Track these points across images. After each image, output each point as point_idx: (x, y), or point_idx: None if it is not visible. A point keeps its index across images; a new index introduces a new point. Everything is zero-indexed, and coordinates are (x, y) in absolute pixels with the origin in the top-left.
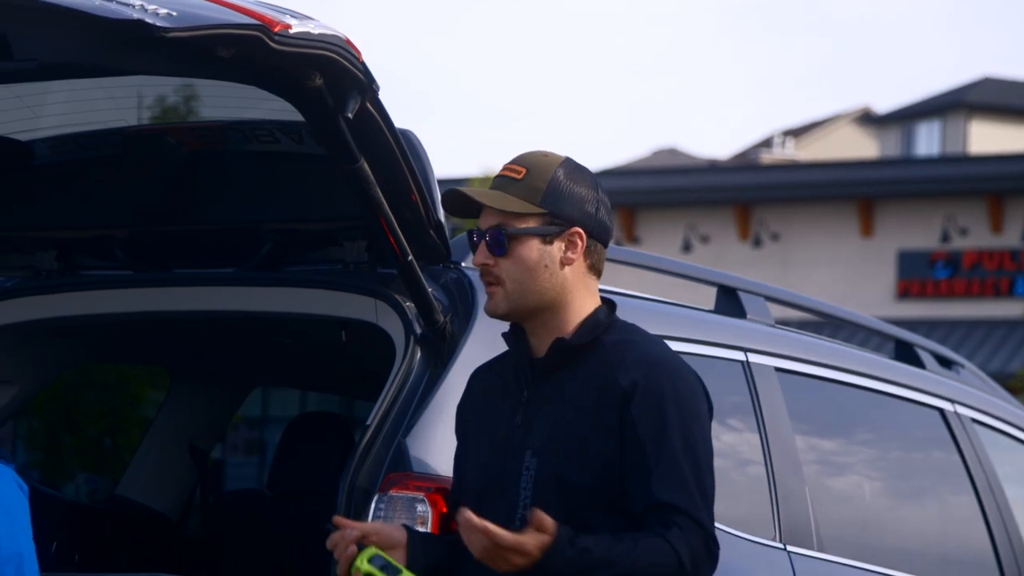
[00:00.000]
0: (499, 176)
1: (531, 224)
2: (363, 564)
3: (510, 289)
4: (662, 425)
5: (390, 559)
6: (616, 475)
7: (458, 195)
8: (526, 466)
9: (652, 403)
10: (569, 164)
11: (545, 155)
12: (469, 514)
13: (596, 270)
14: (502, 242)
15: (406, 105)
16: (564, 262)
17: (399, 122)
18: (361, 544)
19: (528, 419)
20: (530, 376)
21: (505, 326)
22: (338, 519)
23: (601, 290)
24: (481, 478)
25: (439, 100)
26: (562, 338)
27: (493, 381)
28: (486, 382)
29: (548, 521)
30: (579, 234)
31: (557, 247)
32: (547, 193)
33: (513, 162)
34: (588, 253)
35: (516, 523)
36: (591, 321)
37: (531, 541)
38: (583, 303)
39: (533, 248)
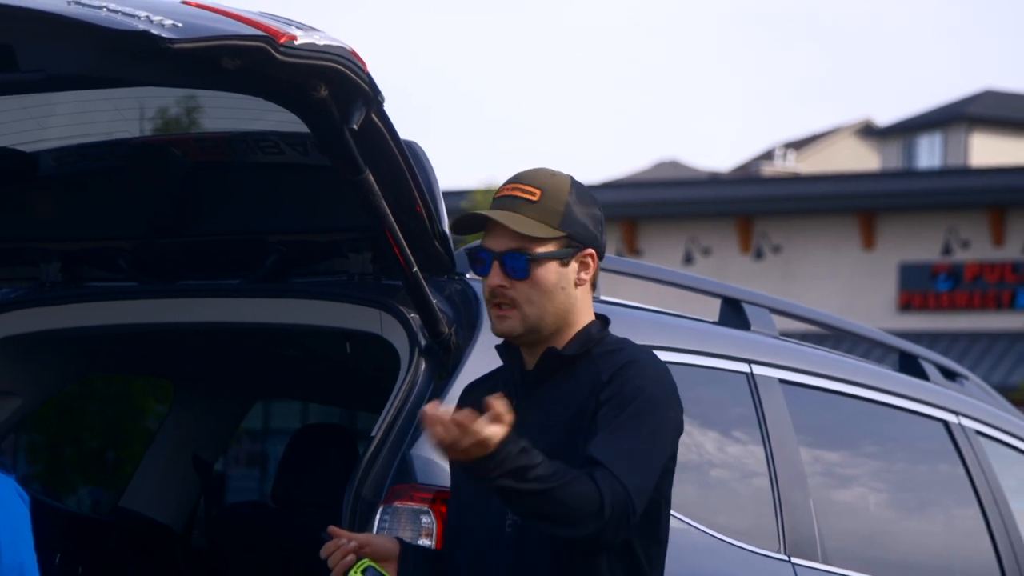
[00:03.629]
0: (508, 196)
1: (552, 248)
2: (357, 575)
3: (527, 312)
4: (621, 406)
5: (383, 571)
6: None
7: (476, 217)
8: None
9: (620, 392)
10: (577, 185)
11: (553, 175)
12: (432, 408)
13: (594, 285)
14: (524, 267)
15: (409, 116)
16: (577, 283)
17: (403, 133)
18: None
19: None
20: (521, 388)
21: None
22: (332, 529)
23: (605, 302)
24: (471, 489)
25: (442, 111)
26: (552, 348)
27: (485, 395)
28: (478, 396)
29: (505, 410)
30: (592, 256)
31: (572, 269)
32: (565, 216)
33: (523, 182)
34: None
35: (506, 529)
36: (583, 334)
37: (495, 432)
38: (580, 318)
39: (552, 271)
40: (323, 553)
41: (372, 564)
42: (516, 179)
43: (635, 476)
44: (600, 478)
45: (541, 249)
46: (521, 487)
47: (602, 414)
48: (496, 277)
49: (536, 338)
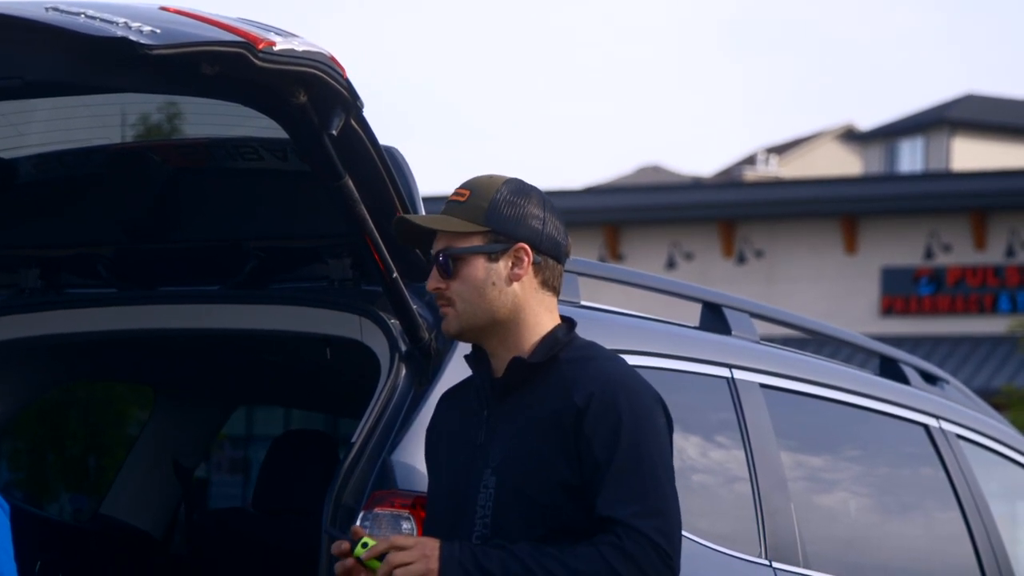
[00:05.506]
0: (447, 202)
1: (475, 243)
2: (369, 540)
3: (460, 309)
4: (614, 443)
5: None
6: (572, 495)
7: (402, 222)
8: (484, 484)
9: (605, 421)
10: (513, 183)
11: (490, 177)
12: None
13: (550, 286)
14: (448, 264)
15: (388, 122)
16: (512, 278)
17: (383, 139)
18: (352, 540)
19: (488, 438)
20: (490, 396)
21: (468, 348)
22: (356, 529)
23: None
24: (444, 498)
25: (421, 118)
26: (519, 357)
27: (459, 404)
28: (452, 405)
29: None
30: (524, 249)
31: (504, 264)
32: (489, 211)
33: (459, 187)
34: (539, 269)
35: (474, 541)
36: (549, 339)
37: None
38: (539, 320)
39: (479, 267)
40: (334, 550)
41: (368, 539)
42: (458, 187)
43: (655, 517)
44: (602, 542)
45: (463, 244)
46: None
47: (597, 456)
48: (432, 279)
49: (478, 338)
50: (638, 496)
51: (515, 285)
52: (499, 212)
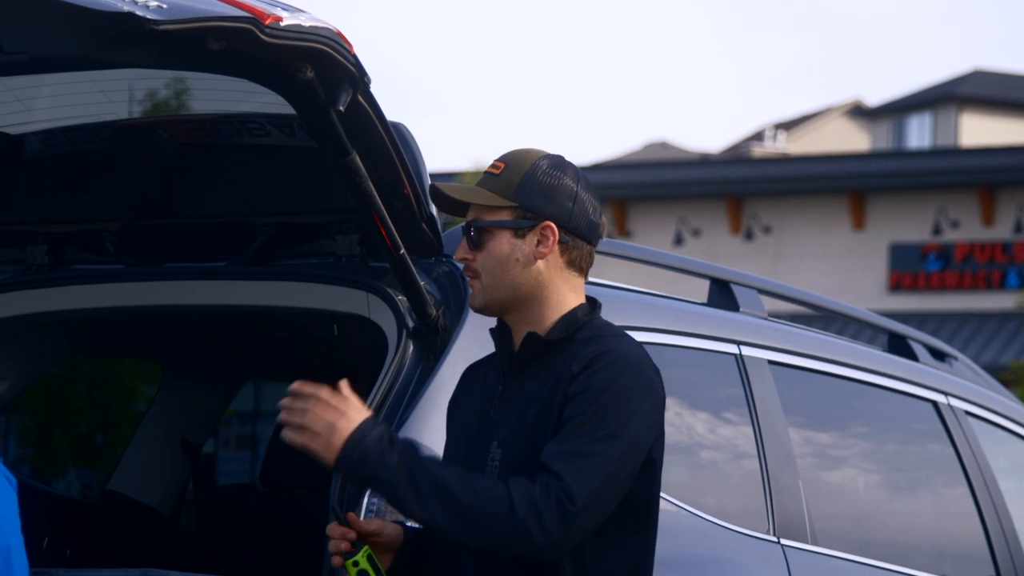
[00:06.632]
0: (484, 173)
1: (503, 217)
2: (363, 561)
3: (485, 283)
4: (585, 407)
5: (379, 564)
6: None
7: (436, 191)
8: (491, 457)
9: (588, 387)
10: (551, 159)
11: (528, 151)
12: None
13: (577, 267)
14: (476, 237)
15: (398, 97)
16: (536, 256)
17: (391, 114)
18: (357, 542)
19: (498, 412)
20: (508, 371)
21: (494, 322)
22: (351, 517)
23: (592, 283)
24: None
25: (431, 93)
26: (534, 332)
27: (480, 377)
28: (475, 378)
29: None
30: (551, 228)
31: (529, 241)
32: (520, 186)
33: (497, 159)
34: (565, 248)
35: None
36: (568, 318)
37: (353, 409)
38: (562, 299)
39: (504, 241)
40: (329, 530)
41: (372, 553)
42: (496, 159)
43: (584, 477)
44: (516, 480)
45: (492, 217)
46: (391, 476)
47: (566, 414)
48: (461, 250)
49: (502, 312)
50: (575, 454)
51: (539, 263)
52: (529, 188)
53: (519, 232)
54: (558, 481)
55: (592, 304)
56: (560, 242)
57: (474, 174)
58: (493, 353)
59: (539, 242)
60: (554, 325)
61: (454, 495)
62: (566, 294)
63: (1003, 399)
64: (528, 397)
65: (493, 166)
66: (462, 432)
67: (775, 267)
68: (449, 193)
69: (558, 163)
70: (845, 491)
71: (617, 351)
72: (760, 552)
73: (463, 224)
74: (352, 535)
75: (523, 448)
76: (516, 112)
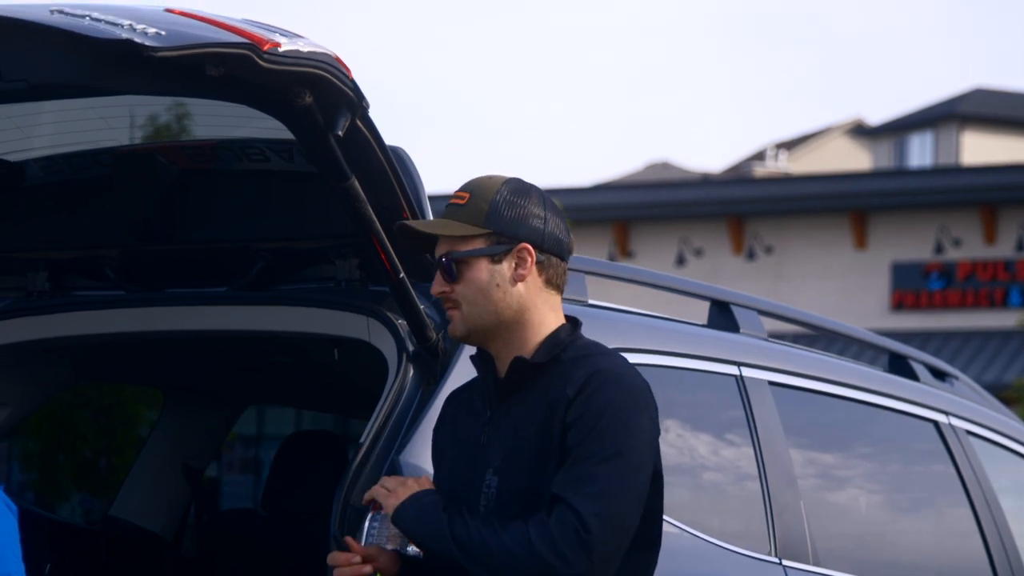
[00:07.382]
0: (447, 206)
1: (477, 245)
2: None
3: (466, 312)
4: (587, 431)
5: None
6: None
7: (404, 228)
8: (486, 484)
9: (586, 411)
10: (513, 183)
11: (489, 178)
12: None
13: (554, 285)
14: (451, 268)
15: (398, 119)
16: (516, 279)
17: (391, 137)
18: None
19: (489, 439)
20: (494, 397)
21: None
22: (349, 540)
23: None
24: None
25: (431, 114)
26: (521, 357)
27: (465, 404)
28: (458, 405)
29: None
30: (527, 249)
31: (507, 265)
32: (489, 213)
33: (459, 189)
34: (542, 268)
35: None
36: (552, 339)
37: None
38: (543, 319)
39: (482, 269)
40: (330, 560)
41: None
42: (457, 189)
43: (594, 501)
44: (534, 518)
45: (466, 247)
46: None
47: (569, 441)
48: (436, 283)
49: (484, 339)
50: (585, 479)
51: (519, 285)
52: (500, 213)
53: (496, 258)
54: (571, 510)
55: (574, 323)
56: (537, 262)
57: None
58: (474, 379)
59: (517, 265)
60: (538, 348)
61: (486, 543)
62: (546, 314)
63: (1004, 418)
64: (519, 423)
65: (457, 196)
66: (450, 460)
67: (777, 287)
68: (419, 228)
69: (521, 186)
70: (847, 511)
71: (608, 370)
72: (761, 573)
73: (438, 257)
74: (358, 559)
75: (520, 476)
76: (516, 133)
